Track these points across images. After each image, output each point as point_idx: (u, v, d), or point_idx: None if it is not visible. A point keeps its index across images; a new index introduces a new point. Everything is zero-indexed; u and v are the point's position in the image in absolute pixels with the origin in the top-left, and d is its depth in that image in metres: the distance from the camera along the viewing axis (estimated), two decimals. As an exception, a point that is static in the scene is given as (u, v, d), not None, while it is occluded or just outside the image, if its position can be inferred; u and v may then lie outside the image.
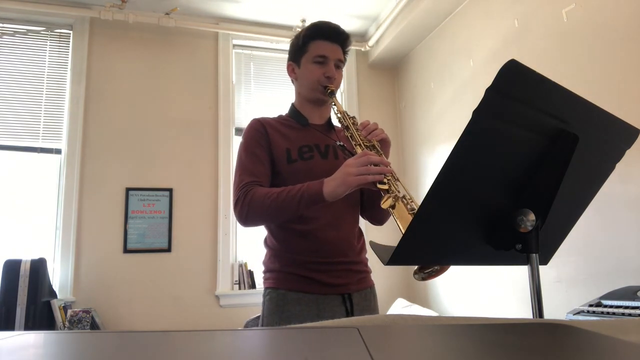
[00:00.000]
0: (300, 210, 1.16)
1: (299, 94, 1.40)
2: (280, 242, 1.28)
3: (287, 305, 1.21)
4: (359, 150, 1.18)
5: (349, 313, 1.24)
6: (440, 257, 0.76)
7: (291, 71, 1.40)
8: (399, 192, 1.05)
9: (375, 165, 1.07)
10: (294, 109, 1.41)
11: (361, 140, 1.20)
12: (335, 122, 1.40)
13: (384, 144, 1.24)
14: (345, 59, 1.37)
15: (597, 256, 1.98)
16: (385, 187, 1.05)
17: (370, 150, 1.17)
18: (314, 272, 1.22)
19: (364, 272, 1.32)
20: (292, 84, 1.44)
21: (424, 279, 0.96)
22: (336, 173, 1.11)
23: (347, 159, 1.26)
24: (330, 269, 1.24)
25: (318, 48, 1.31)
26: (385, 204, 1.02)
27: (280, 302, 1.22)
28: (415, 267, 0.94)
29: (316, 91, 1.33)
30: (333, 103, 1.33)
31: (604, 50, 2.00)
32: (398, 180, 1.08)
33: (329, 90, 1.31)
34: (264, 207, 1.17)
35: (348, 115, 1.29)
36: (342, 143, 1.29)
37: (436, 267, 0.93)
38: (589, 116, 0.75)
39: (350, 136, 1.23)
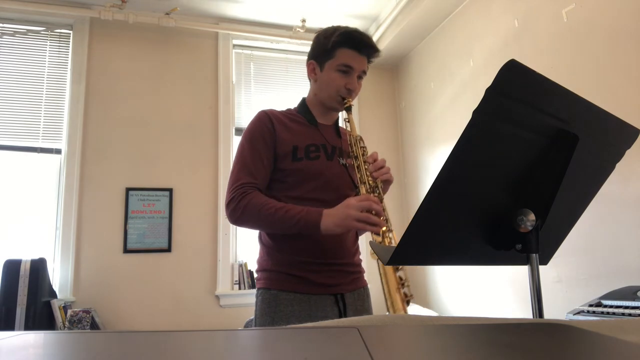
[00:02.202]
0: (292, 232, 1.17)
1: (315, 94, 1.37)
2: (275, 240, 1.27)
3: (280, 305, 1.21)
4: (362, 189, 1.19)
5: (342, 313, 1.24)
6: (440, 257, 0.76)
7: (311, 70, 1.36)
8: (390, 245, 1.08)
9: (377, 212, 1.09)
10: (305, 105, 1.39)
11: (367, 177, 1.20)
12: (341, 123, 1.41)
13: (387, 183, 1.24)
14: (367, 69, 1.35)
15: (597, 256, 1.98)
16: (379, 239, 1.09)
17: (373, 192, 1.18)
18: (307, 272, 1.22)
19: (357, 273, 1.32)
20: (308, 81, 1.41)
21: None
22: (336, 210, 1.12)
23: (348, 167, 1.27)
24: (323, 270, 1.24)
25: (345, 57, 1.29)
26: (373, 255, 1.04)
27: (272, 302, 1.22)
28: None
29: (334, 100, 1.32)
30: (348, 120, 1.32)
31: (604, 50, 2.00)
32: (392, 231, 1.11)
33: (346, 105, 1.30)
34: (258, 216, 1.18)
35: (359, 142, 1.27)
36: (344, 162, 1.31)
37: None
38: (589, 116, 0.75)
39: (357, 167, 1.23)
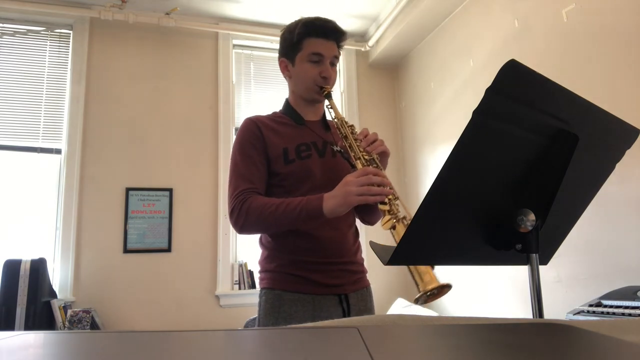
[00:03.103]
0: (299, 225, 1.16)
1: (293, 92, 1.37)
2: (276, 241, 1.27)
3: (284, 306, 1.20)
4: (359, 164, 1.15)
5: (346, 313, 1.24)
6: (440, 258, 0.76)
7: (284, 68, 1.36)
8: (399, 212, 1.04)
9: (377, 184, 1.06)
10: (288, 106, 1.38)
11: (361, 153, 1.17)
12: (330, 117, 1.39)
13: (383, 155, 1.21)
14: (339, 54, 1.33)
15: (597, 256, 1.98)
16: (386, 207, 1.05)
17: (370, 165, 1.15)
18: (310, 272, 1.22)
19: (360, 273, 1.32)
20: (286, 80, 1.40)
21: (425, 301, 0.96)
22: (336, 190, 1.09)
23: (343, 159, 1.25)
24: (326, 269, 1.23)
25: (313, 46, 1.28)
26: (385, 225, 1.02)
27: (276, 302, 1.21)
28: (417, 294, 0.94)
29: (312, 91, 1.30)
30: (330, 107, 1.31)
31: (604, 50, 2.00)
32: (398, 198, 1.07)
33: (325, 92, 1.28)
34: (261, 218, 1.16)
35: (346, 123, 1.25)
36: (339, 148, 1.27)
37: (434, 291, 0.93)
38: (589, 116, 0.75)
39: (349, 146, 1.20)
